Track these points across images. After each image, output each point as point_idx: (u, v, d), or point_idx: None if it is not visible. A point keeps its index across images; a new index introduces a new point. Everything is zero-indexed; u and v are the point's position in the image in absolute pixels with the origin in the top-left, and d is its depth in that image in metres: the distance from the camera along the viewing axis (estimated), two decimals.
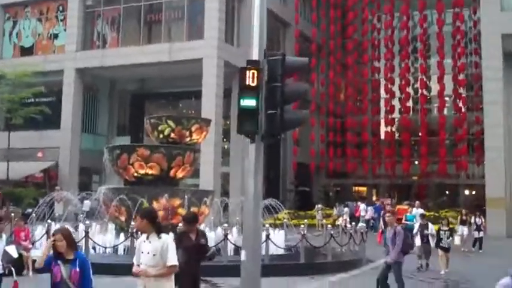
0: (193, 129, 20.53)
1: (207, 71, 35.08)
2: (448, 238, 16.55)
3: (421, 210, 21.61)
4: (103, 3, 39.33)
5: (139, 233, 9.37)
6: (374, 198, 45.92)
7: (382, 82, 45.21)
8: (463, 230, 22.11)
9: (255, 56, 9.80)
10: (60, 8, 40.47)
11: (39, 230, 16.71)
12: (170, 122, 20.30)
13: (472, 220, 23.12)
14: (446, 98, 42.11)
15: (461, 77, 42.22)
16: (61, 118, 38.17)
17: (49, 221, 17.34)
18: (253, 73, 9.41)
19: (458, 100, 42.13)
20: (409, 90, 43.90)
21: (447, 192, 45.83)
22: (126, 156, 18.88)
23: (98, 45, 39.83)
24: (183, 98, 41.97)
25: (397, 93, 44.01)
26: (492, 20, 30.71)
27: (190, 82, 36.73)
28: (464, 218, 22.88)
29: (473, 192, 44.13)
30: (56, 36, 40.77)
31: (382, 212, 21.56)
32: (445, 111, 42.09)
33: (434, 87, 42.52)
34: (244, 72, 9.40)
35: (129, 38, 38.67)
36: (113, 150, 19.69)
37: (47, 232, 15.49)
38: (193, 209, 16.95)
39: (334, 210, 35.48)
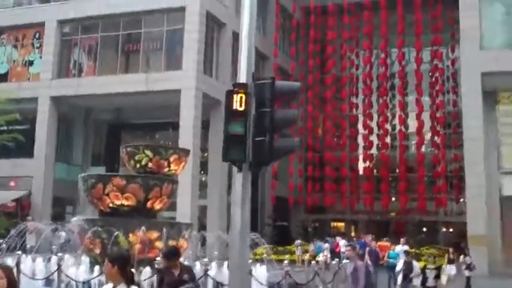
0: (171, 159, 19.84)
1: (185, 102, 34.57)
2: (434, 278, 15.97)
3: (406, 247, 20.96)
4: (80, 31, 38.79)
5: None
6: (353, 234, 45.31)
7: (361, 118, 44.98)
8: (451, 269, 21.52)
9: (242, 79, 9.27)
10: (37, 35, 39.77)
11: (9, 262, 15.85)
12: (148, 152, 19.58)
13: (461, 259, 22.53)
14: (424, 135, 42.05)
15: (439, 114, 42.19)
16: (34, 146, 37.21)
17: (19, 252, 16.57)
18: (241, 97, 8.88)
19: (436, 137, 42.04)
20: (387, 126, 43.71)
21: (425, 229, 45.38)
22: (101, 186, 18.10)
23: (73, 73, 39.12)
24: (160, 129, 41.32)
25: (375, 130, 43.80)
26: (471, 59, 30.70)
27: (167, 113, 36.16)
28: (452, 256, 22.24)
29: (452, 230, 43.79)
30: (31, 63, 39.97)
31: (367, 249, 20.89)
32: (423, 148, 41.97)
33: (413, 124, 42.37)
34: (232, 95, 8.86)
35: (106, 67, 38.07)
36: (88, 179, 18.89)
37: (17, 264, 14.84)
38: (172, 243, 16.31)
39: (311, 246, 34.80)
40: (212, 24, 37.20)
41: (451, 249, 23.23)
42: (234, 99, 8.88)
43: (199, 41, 35.08)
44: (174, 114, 34.69)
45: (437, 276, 16.64)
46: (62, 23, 38.88)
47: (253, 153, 8.92)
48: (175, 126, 35.34)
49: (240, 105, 8.85)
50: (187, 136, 33.67)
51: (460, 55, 32.39)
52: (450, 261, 22.10)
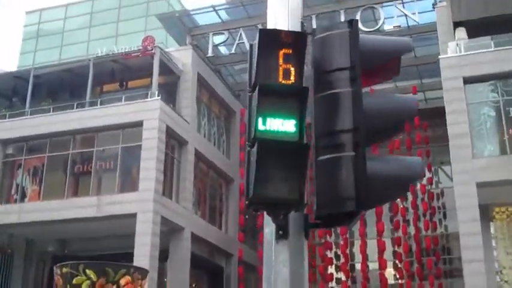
0: (122, 282, 13.85)
1: (140, 228, 28.59)
2: None
3: None
4: (25, 151, 33.07)
5: None
6: None
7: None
8: None
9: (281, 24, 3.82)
10: None
11: None
12: (90, 273, 13.62)
13: None
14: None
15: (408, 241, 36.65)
16: None
17: None
18: (285, 55, 3.46)
19: (418, 265, 36.15)
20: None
21: None
22: None
23: (15, 199, 32.94)
24: (112, 261, 34.67)
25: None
26: (464, 168, 26.24)
27: (120, 242, 30.08)
28: None
29: None
30: None
31: None
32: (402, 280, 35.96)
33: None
34: (266, 50, 3.42)
35: (53, 191, 32.01)
36: None
37: None
38: None
39: None
40: (172, 142, 32.18)
41: None
42: (272, 61, 3.43)
43: (157, 160, 29.79)
44: (128, 243, 28.72)
45: None
46: (4, 143, 33.10)
47: (317, 191, 3.33)
48: (129, 257, 29.11)
49: (287, 76, 3.41)
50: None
51: (452, 165, 27.80)
52: None
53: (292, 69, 3.48)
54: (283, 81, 3.39)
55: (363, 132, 3.47)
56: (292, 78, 3.44)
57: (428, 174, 37.22)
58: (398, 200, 36.30)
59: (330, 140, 3.49)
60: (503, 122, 27.01)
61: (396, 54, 3.96)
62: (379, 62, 3.92)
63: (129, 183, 30.80)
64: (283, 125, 3.34)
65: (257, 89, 3.25)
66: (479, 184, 25.66)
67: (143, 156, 29.93)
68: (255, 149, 3.22)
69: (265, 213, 3.37)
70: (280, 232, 3.40)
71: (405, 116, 3.86)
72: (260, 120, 3.28)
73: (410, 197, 37.32)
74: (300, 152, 3.23)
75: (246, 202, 3.35)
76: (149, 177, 29.40)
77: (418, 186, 36.60)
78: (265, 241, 3.47)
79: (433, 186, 37.89)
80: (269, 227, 3.45)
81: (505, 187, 25.79)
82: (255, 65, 3.41)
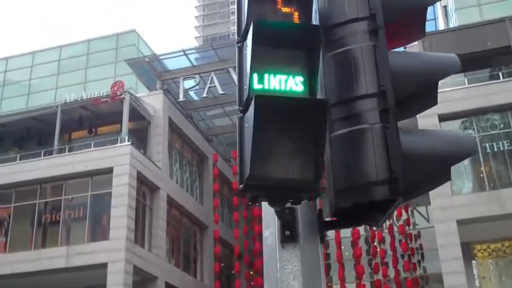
0: None
1: (112, 279, 27.03)
2: None
3: None
4: None
5: None
6: None
7: None
8: None
9: None
10: None
11: None
12: None
13: None
14: None
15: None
16: None
17: None
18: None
19: None
20: None
21: None
22: None
23: None
24: None
25: None
26: (444, 206, 25.61)
27: None
28: None
29: None
30: None
31: None
32: None
33: None
34: None
35: (20, 242, 30.31)
36: None
37: None
38: None
39: None
40: (144, 188, 30.95)
41: None
42: (267, 3, 2.51)
43: (129, 207, 28.49)
44: None
45: None
46: None
47: (334, 176, 2.35)
48: None
49: (290, 14, 2.49)
50: None
51: (431, 203, 27.15)
52: None
53: (295, 13, 2.56)
54: (285, 17, 2.42)
55: (391, 97, 2.56)
56: (296, 16, 2.50)
57: (405, 215, 36.60)
58: (376, 242, 35.43)
59: (346, 109, 2.52)
60: (481, 159, 26.57)
61: (421, 8, 2.99)
62: (403, 14, 2.99)
63: (100, 232, 29.35)
64: (286, 83, 2.41)
65: (250, 32, 2.33)
66: (460, 221, 25.03)
67: (114, 203, 28.62)
68: (250, 112, 2.26)
69: (264, 205, 2.37)
70: (287, 232, 2.37)
71: (444, 75, 2.91)
72: (255, 76, 2.32)
73: (388, 238, 36.55)
74: (315, 112, 2.24)
75: (240, 187, 2.36)
76: (120, 225, 28.03)
77: (396, 228, 35.94)
78: (266, 247, 2.44)
79: (411, 227, 37.27)
80: (270, 228, 2.42)
81: (485, 224, 25.24)
82: (246, 6, 2.50)
